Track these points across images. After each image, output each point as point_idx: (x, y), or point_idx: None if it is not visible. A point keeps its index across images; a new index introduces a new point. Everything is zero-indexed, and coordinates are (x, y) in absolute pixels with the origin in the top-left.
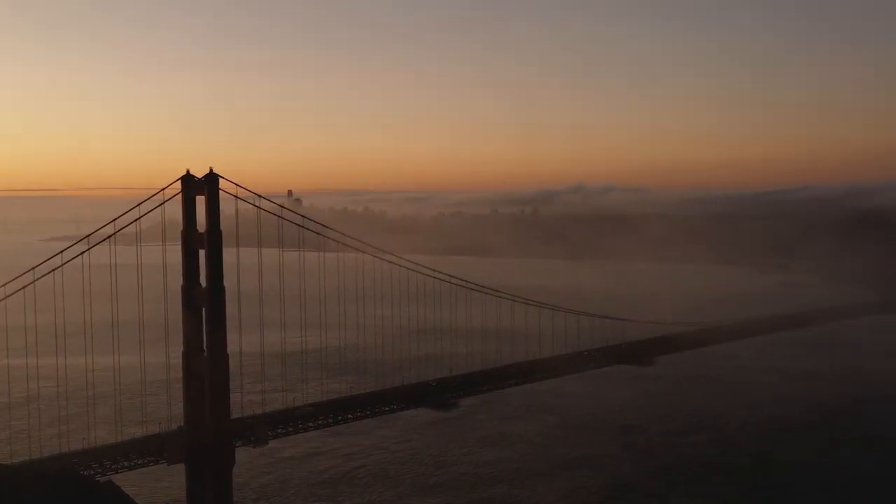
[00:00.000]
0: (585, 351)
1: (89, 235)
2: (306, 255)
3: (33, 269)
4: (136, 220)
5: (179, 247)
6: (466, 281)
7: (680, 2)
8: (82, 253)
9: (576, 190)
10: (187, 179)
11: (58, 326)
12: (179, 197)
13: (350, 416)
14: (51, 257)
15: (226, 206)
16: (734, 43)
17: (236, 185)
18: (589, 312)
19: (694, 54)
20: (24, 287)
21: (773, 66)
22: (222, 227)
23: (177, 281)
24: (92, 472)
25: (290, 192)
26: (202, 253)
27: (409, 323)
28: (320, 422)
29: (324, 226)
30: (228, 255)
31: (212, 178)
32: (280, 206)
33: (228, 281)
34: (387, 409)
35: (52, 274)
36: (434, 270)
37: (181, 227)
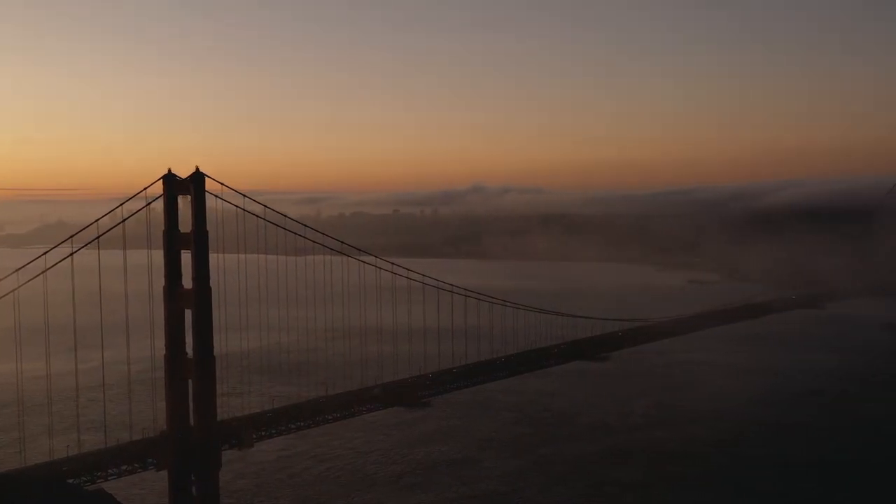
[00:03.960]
0: (551, 347)
1: (75, 235)
2: (276, 258)
3: (17, 271)
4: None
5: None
6: (439, 280)
7: (571, 5)
8: (71, 255)
9: (475, 190)
10: (169, 179)
11: (31, 331)
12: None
13: (329, 417)
14: (33, 259)
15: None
16: (625, 45)
17: (221, 184)
18: (552, 311)
19: (583, 56)
20: (12, 291)
21: (663, 69)
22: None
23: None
24: (81, 481)
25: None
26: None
27: (376, 323)
28: (301, 423)
29: (312, 229)
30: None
31: (198, 178)
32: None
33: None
34: (363, 409)
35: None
36: (409, 270)
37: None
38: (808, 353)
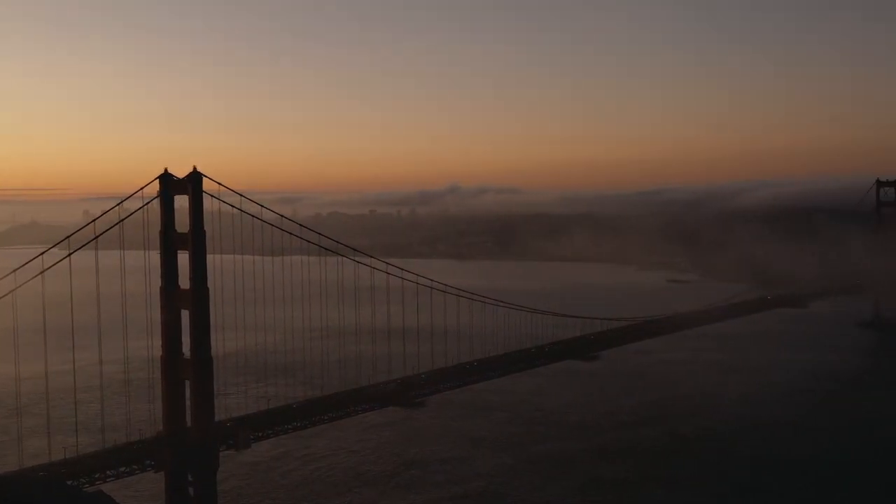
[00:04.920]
0: (541, 346)
1: (71, 235)
2: (271, 258)
3: (14, 271)
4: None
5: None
6: (433, 280)
7: (547, 7)
8: (69, 255)
9: (451, 191)
10: (165, 178)
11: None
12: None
13: (324, 417)
14: (28, 261)
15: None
16: (601, 46)
17: (219, 184)
18: (544, 311)
19: (558, 57)
20: (9, 292)
21: (639, 70)
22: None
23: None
24: (80, 483)
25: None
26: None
27: (369, 323)
28: (296, 424)
29: (308, 228)
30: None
31: (195, 178)
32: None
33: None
34: (358, 409)
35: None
36: (403, 271)
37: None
38: (791, 351)
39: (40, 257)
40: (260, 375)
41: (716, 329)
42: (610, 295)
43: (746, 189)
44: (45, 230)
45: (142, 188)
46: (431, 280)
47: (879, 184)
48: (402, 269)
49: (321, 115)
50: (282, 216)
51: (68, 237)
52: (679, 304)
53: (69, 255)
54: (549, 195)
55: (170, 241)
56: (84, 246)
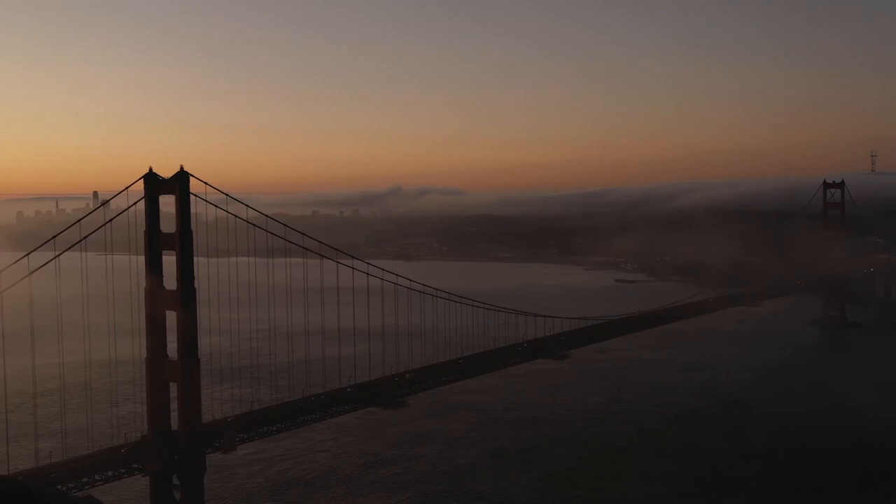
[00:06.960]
0: (515, 346)
1: (57, 235)
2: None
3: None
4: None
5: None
6: (412, 280)
7: (489, 9)
8: (57, 257)
9: (393, 192)
10: (150, 178)
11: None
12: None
13: (308, 419)
14: (13, 262)
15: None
16: (544, 48)
17: (206, 183)
18: (513, 310)
19: (499, 59)
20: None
21: (582, 73)
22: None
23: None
24: (69, 488)
25: (95, 194)
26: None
27: (349, 324)
28: (281, 426)
29: (292, 228)
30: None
31: (182, 177)
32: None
33: None
34: (340, 410)
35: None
36: (383, 270)
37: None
38: (747, 349)
39: (26, 258)
40: (238, 376)
41: (675, 328)
42: (562, 295)
43: (692, 190)
44: None
45: (127, 187)
46: (410, 280)
47: (826, 185)
48: (382, 270)
49: (259, 116)
50: (267, 216)
51: (54, 237)
52: (631, 303)
53: (56, 256)
54: (492, 196)
55: (154, 242)
56: (71, 248)
